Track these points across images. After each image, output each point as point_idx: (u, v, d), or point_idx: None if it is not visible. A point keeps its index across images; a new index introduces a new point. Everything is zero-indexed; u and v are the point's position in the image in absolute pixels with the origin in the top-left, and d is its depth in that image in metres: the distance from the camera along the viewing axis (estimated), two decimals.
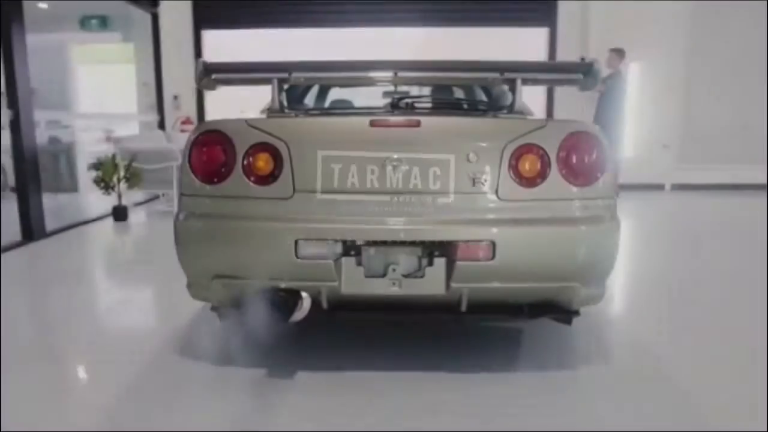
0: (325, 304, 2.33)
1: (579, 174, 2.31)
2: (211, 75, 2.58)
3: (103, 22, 8.93)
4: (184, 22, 8.77)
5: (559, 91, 8.71)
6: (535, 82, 2.79)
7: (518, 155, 2.30)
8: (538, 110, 8.72)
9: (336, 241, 2.26)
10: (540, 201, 2.29)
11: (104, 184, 6.01)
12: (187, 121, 8.85)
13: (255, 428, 2.09)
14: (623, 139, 8.16)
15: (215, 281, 2.33)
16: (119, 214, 6.20)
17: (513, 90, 2.59)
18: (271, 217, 2.28)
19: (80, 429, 2.13)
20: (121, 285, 4.20)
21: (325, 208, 2.27)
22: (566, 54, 8.51)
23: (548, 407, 2.24)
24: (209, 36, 9.03)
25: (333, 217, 2.26)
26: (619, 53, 7.98)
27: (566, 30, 8.62)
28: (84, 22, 8.93)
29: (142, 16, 8.54)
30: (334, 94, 4.05)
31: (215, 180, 2.34)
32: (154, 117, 8.78)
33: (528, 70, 2.62)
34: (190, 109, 8.93)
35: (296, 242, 2.22)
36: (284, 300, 2.28)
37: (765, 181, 8.36)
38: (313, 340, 2.83)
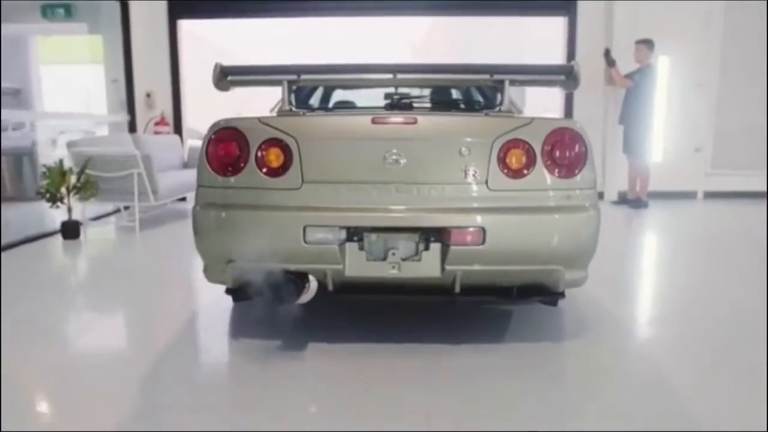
0: (330, 286, 2.55)
1: (562, 166, 2.55)
2: (227, 77, 2.76)
3: (68, 11, 7.95)
4: (158, 12, 7.79)
5: (580, 94, 7.77)
6: (522, 83, 2.91)
7: (506, 149, 2.53)
8: (557, 111, 7.85)
9: (340, 227, 2.48)
10: (526, 191, 2.53)
11: (50, 195, 5.04)
12: (161, 122, 7.88)
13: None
14: (651, 140, 7.23)
15: (230, 265, 2.54)
16: (69, 230, 5.22)
17: (502, 90, 2.78)
18: (281, 206, 2.51)
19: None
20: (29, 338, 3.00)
21: (330, 197, 2.50)
22: (588, 46, 7.59)
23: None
24: (186, 27, 8.07)
25: (338, 206, 2.49)
26: (648, 45, 7.05)
27: (588, 20, 7.67)
28: (46, 11, 7.95)
29: (110, 5, 7.57)
30: (338, 95, 4.18)
31: (230, 172, 2.57)
32: (124, 117, 7.81)
33: (514, 72, 2.78)
34: (165, 108, 7.96)
35: (304, 228, 2.45)
36: (293, 282, 2.50)
37: None
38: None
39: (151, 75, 7.87)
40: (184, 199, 7.15)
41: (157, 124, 7.87)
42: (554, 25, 7.98)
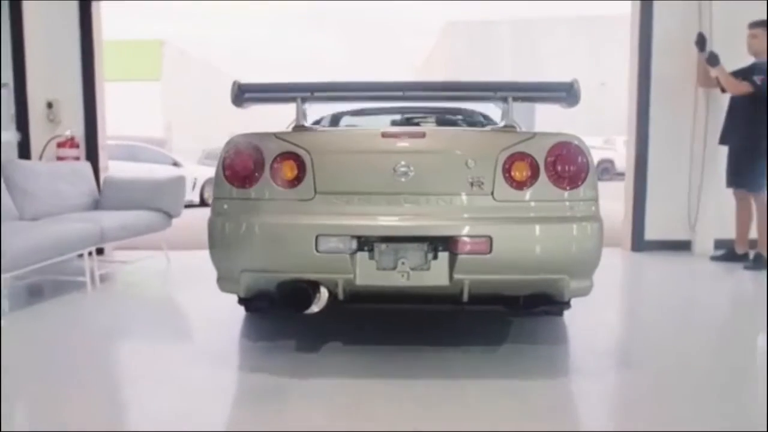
0: (341, 295, 2.66)
1: (564, 178, 2.68)
2: (244, 94, 2.95)
3: None
4: None
5: (657, 101, 5.58)
6: (525, 99, 3.05)
7: (511, 162, 2.68)
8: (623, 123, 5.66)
9: (352, 237, 2.58)
10: (530, 202, 2.68)
11: None
12: (68, 143, 5.59)
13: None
14: None
15: (244, 274, 2.66)
16: None
17: (508, 106, 2.93)
18: (294, 216, 2.65)
19: None
20: None
21: (342, 207, 2.65)
22: (669, 29, 5.36)
23: None
24: (105, 11, 5.82)
25: (349, 216, 2.63)
26: None
27: None
28: None
29: None
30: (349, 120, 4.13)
31: (246, 184, 2.72)
32: (12, 136, 5.53)
33: (517, 90, 2.97)
34: (74, 123, 5.68)
35: (317, 238, 2.56)
36: (304, 291, 2.61)
37: None
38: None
39: (54, 78, 5.63)
40: (100, 252, 4.75)
41: (61, 146, 5.58)
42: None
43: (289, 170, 2.68)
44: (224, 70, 36.95)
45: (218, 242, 2.74)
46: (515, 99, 2.90)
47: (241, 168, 2.72)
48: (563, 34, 31.65)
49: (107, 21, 5.89)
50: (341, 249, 2.55)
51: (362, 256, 2.59)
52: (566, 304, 2.77)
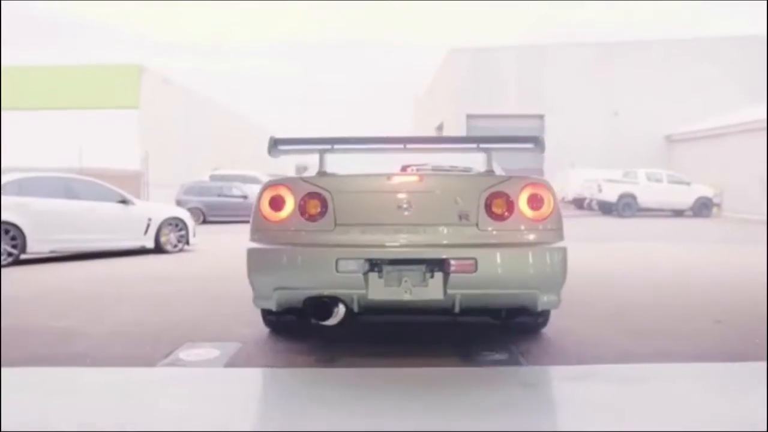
0: (356, 308, 3.58)
1: (534, 212, 3.59)
2: (277, 146, 3.81)
3: None
4: None
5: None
6: (502, 149, 4.09)
7: (491, 199, 3.58)
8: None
9: (365, 260, 3.48)
10: (507, 231, 3.59)
11: None
12: None
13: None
14: None
15: (276, 292, 3.60)
16: None
17: (488, 154, 3.90)
18: (318, 244, 3.55)
19: None
20: None
21: (356, 236, 3.54)
22: None
23: None
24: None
25: (362, 243, 3.52)
26: None
27: None
28: None
29: None
30: (363, 159, 4.77)
31: (279, 219, 3.63)
32: None
33: (494, 142, 4.05)
34: None
35: (336, 261, 3.47)
36: (326, 305, 3.53)
37: None
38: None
39: None
40: None
41: None
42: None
43: (313, 207, 3.63)
44: (220, 101, 35.87)
45: (255, 266, 3.70)
46: (494, 149, 3.94)
47: (274, 205, 3.66)
48: (572, 60, 30.35)
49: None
50: (356, 270, 3.50)
51: (373, 276, 3.52)
52: (542, 318, 4.11)
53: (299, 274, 3.55)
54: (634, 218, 21.02)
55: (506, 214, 3.55)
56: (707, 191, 22.67)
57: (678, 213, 22.57)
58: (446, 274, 3.46)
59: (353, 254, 3.46)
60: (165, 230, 10.42)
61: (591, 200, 23.77)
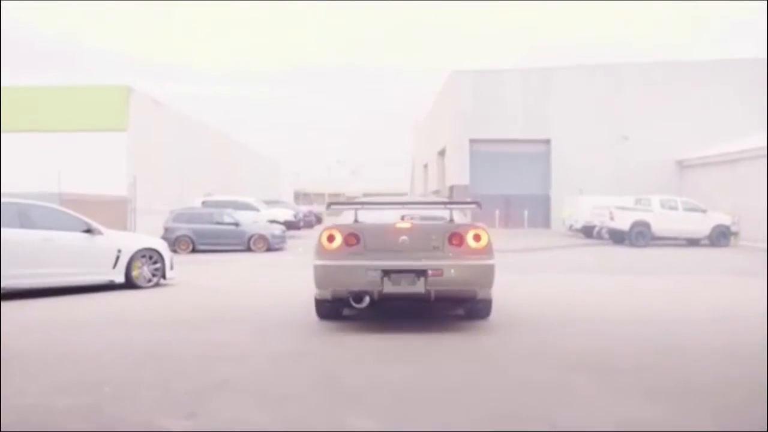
0: (376, 298, 6.26)
1: (476, 242, 6.27)
2: (330, 206, 7.50)
3: None
4: None
5: None
6: (461, 209, 7.55)
7: (451, 235, 6.28)
8: None
9: (382, 270, 6.13)
10: (460, 254, 6.24)
11: None
12: None
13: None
14: None
15: (330, 288, 6.36)
16: None
17: (451, 211, 6.77)
18: (355, 261, 6.21)
19: None
20: None
21: (377, 256, 6.20)
22: None
23: None
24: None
25: (380, 260, 6.18)
26: None
27: None
28: None
29: None
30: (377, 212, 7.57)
31: (332, 247, 6.30)
32: None
33: (455, 203, 7.99)
34: None
35: (366, 270, 6.15)
36: (360, 295, 6.26)
37: None
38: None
39: None
40: None
41: None
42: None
43: (353, 239, 6.27)
44: (215, 126, 34.95)
45: (320, 274, 6.30)
46: (455, 207, 7.10)
47: (330, 240, 6.29)
48: (578, 83, 29.38)
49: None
50: (376, 276, 6.11)
51: (386, 279, 6.13)
52: (484, 306, 6.72)
53: (345, 278, 6.24)
54: (648, 248, 19.74)
55: (460, 244, 6.25)
56: (725, 219, 21.42)
57: (693, 242, 21.32)
58: (426, 278, 6.11)
59: (375, 267, 6.13)
60: (137, 263, 9.18)
61: (601, 228, 22.50)
